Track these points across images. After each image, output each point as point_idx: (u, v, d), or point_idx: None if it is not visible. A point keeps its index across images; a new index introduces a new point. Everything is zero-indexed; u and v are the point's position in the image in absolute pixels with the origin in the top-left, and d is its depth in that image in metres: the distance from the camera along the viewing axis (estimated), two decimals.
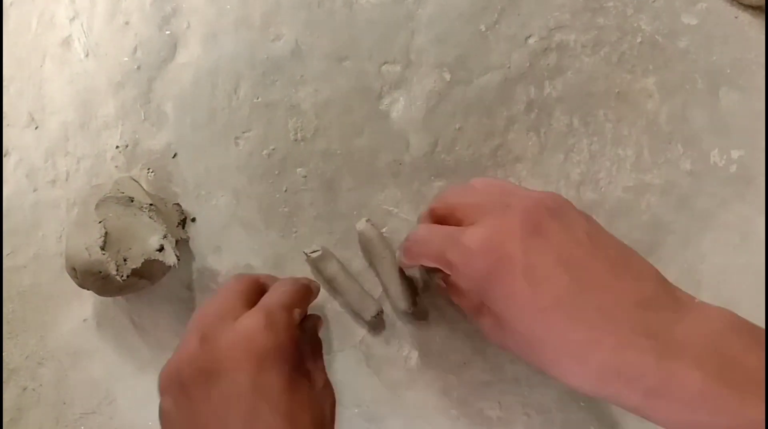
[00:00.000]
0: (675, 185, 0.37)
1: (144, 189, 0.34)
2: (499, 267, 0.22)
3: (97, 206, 0.31)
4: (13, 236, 0.38)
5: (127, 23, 0.39)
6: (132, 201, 0.31)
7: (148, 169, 0.37)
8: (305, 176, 0.37)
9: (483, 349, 0.35)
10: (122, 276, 0.29)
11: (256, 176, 0.37)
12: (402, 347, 0.36)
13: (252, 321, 0.23)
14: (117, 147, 0.38)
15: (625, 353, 0.19)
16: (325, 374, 0.28)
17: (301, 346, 0.25)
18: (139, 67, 0.38)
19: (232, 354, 0.22)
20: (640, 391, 0.19)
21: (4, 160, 0.38)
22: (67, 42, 0.40)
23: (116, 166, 0.37)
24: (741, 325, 0.20)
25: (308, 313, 0.31)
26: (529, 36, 0.38)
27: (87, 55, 0.39)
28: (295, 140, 0.37)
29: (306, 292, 0.29)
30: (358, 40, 0.38)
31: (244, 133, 0.37)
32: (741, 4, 0.39)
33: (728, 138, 0.37)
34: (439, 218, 0.28)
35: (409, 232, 0.29)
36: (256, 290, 0.27)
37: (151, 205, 0.32)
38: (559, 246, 0.21)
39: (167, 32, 0.39)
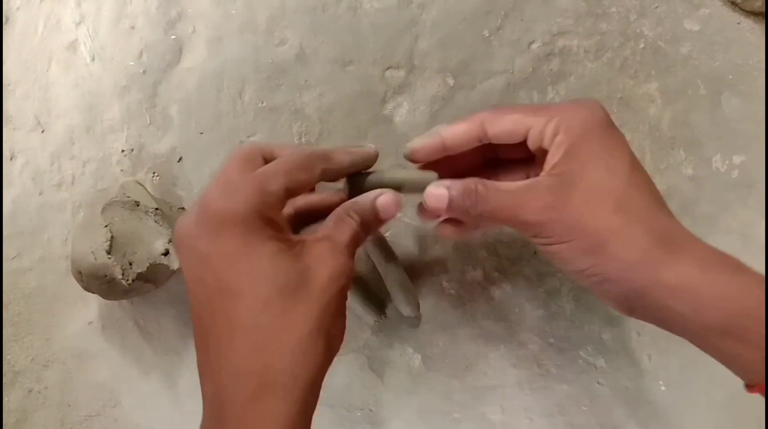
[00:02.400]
0: (677, 190, 0.37)
1: (149, 193, 0.34)
2: (609, 135, 0.24)
3: (103, 210, 0.31)
4: (19, 239, 0.38)
5: (132, 27, 0.40)
6: (138, 205, 0.32)
7: (154, 172, 0.37)
8: None
9: (485, 354, 0.35)
10: (128, 280, 0.29)
11: None
12: (405, 351, 0.36)
13: (209, 190, 0.22)
14: (122, 151, 0.38)
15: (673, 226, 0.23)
16: (340, 256, 0.24)
17: (279, 217, 0.23)
18: (144, 71, 0.39)
19: (195, 225, 0.22)
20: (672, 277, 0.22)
21: (11, 163, 0.39)
22: (73, 46, 0.40)
23: (121, 170, 0.38)
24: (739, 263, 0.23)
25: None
26: (533, 41, 0.38)
27: (93, 59, 0.39)
28: (300, 144, 0.37)
29: (303, 165, 0.24)
30: (362, 45, 0.38)
31: (248, 137, 0.38)
32: (743, 10, 0.39)
33: (730, 143, 0.37)
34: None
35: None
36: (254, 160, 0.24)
37: (156, 209, 0.32)
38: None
39: (172, 36, 0.39)
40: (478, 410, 0.36)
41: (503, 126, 0.25)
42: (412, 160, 0.28)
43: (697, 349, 0.36)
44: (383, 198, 0.26)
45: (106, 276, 0.29)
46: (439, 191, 0.25)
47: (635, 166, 0.23)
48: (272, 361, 0.21)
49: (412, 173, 0.27)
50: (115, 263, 0.29)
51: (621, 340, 0.35)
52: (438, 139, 0.26)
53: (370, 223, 0.26)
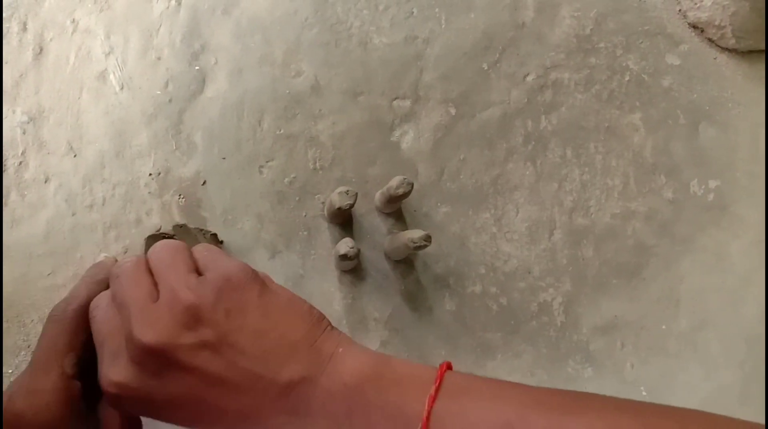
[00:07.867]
0: (658, 212, 0.40)
1: (197, 234, 0.38)
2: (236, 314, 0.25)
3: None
4: (53, 257, 0.41)
5: (159, 59, 0.43)
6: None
7: (179, 195, 0.40)
8: (323, 202, 0.40)
9: (483, 363, 0.39)
10: None
11: (278, 202, 0.40)
12: (412, 360, 0.40)
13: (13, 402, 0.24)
14: (150, 174, 0.41)
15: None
16: None
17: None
18: (170, 100, 0.42)
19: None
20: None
21: (45, 186, 0.42)
22: (102, 76, 0.43)
23: (149, 193, 0.41)
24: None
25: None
26: (527, 74, 0.42)
27: (122, 88, 0.43)
28: (314, 169, 0.41)
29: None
30: (371, 77, 0.41)
31: (267, 162, 0.41)
32: (719, 46, 0.42)
33: (706, 169, 0.41)
34: None
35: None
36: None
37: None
38: (253, 321, 0.26)
39: (196, 68, 0.42)
40: None
41: None
42: None
43: (674, 360, 0.40)
44: None
45: None
46: None
47: None
48: None
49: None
50: None
51: (606, 350, 0.38)
52: None
53: None
